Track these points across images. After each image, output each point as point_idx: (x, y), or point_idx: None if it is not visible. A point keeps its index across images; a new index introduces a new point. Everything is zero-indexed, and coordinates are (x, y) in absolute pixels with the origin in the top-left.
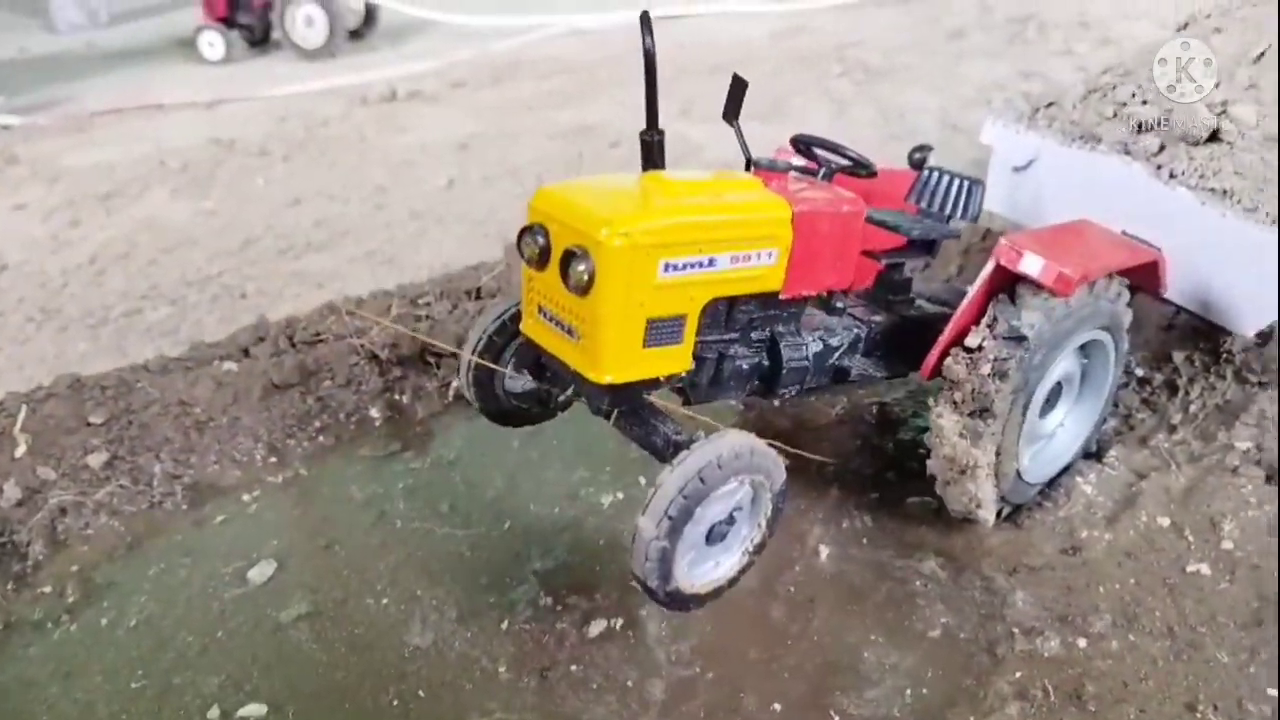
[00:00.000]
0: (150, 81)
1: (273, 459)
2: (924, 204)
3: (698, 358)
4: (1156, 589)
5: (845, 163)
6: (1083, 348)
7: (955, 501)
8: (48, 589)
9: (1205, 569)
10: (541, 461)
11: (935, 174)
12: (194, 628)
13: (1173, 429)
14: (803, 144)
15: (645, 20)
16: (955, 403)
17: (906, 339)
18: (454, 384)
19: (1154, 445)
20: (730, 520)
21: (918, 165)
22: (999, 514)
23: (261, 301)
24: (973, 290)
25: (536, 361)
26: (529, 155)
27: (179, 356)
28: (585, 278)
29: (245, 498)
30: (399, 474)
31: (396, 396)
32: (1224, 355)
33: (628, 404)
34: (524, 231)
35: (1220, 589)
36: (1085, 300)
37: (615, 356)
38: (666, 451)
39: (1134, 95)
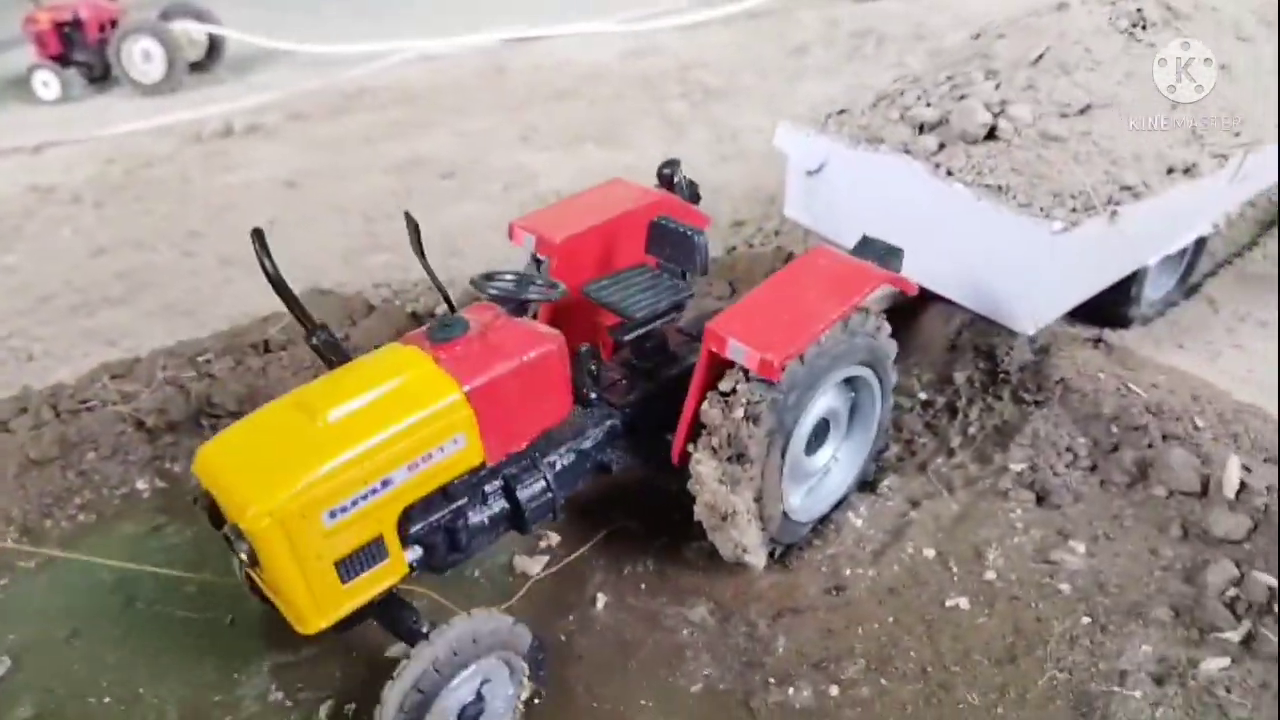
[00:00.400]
0: None
1: (25, 542)
2: (660, 256)
3: (422, 542)
4: (914, 627)
5: (536, 297)
6: (848, 382)
7: (723, 547)
8: None
9: (964, 603)
10: None
11: (662, 225)
12: None
13: (951, 453)
14: (479, 287)
15: (258, 235)
16: (713, 448)
17: (666, 407)
18: None
19: (932, 470)
20: (479, 699)
21: (666, 182)
22: (772, 554)
23: (48, 364)
24: (694, 379)
25: None
26: (357, 191)
27: None
28: (248, 556)
29: None
30: (155, 551)
31: (168, 465)
32: (1001, 375)
33: (359, 622)
34: (196, 496)
35: (978, 624)
36: (839, 339)
37: (314, 607)
38: (411, 643)
39: (919, 98)
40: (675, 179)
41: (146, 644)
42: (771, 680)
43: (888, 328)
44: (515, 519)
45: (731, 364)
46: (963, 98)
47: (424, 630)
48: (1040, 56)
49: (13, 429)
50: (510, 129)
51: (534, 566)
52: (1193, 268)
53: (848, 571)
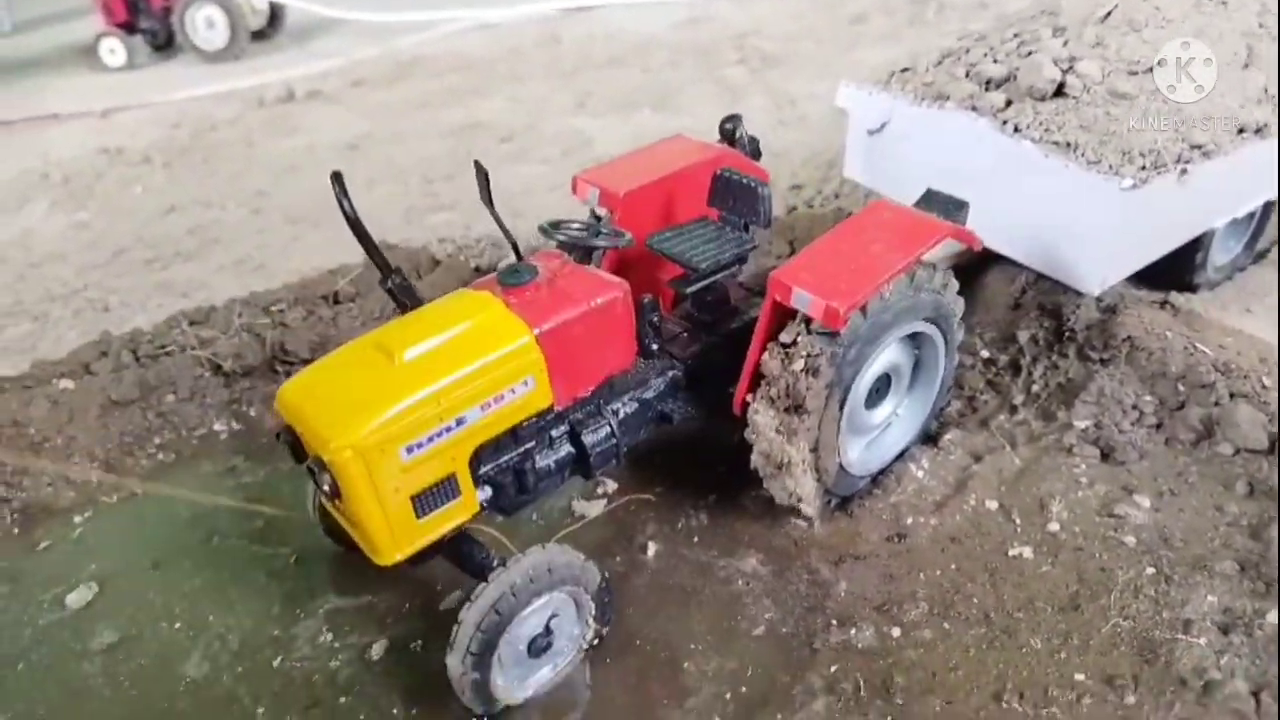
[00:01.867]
0: (50, 91)
1: (112, 476)
2: (723, 209)
3: (492, 482)
4: (977, 574)
5: (603, 244)
6: (913, 338)
7: (779, 495)
8: None
9: (1028, 552)
10: None
11: (726, 177)
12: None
13: (1014, 409)
14: (546, 234)
15: (337, 179)
16: (771, 398)
17: (727, 360)
18: None
19: (995, 426)
20: (548, 631)
21: (728, 136)
22: (829, 504)
23: (124, 314)
24: (757, 328)
25: None
26: (417, 154)
27: (17, 375)
28: (329, 488)
29: (77, 519)
30: (231, 489)
31: (243, 408)
32: (1067, 334)
33: (432, 555)
34: (280, 432)
35: (1041, 572)
36: (904, 293)
37: (390, 539)
38: (480, 576)
39: (985, 55)
40: (737, 134)
41: (219, 576)
42: (834, 622)
43: (955, 284)
44: (581, 463)
45: (794, 315)
46: (1030, 54)
47: (494, 564)
48: (1109, 14)
49: (95, 371)
50: (565, 95)
51: (592, 510)
52: (1260, 232)
53: (910, 520)
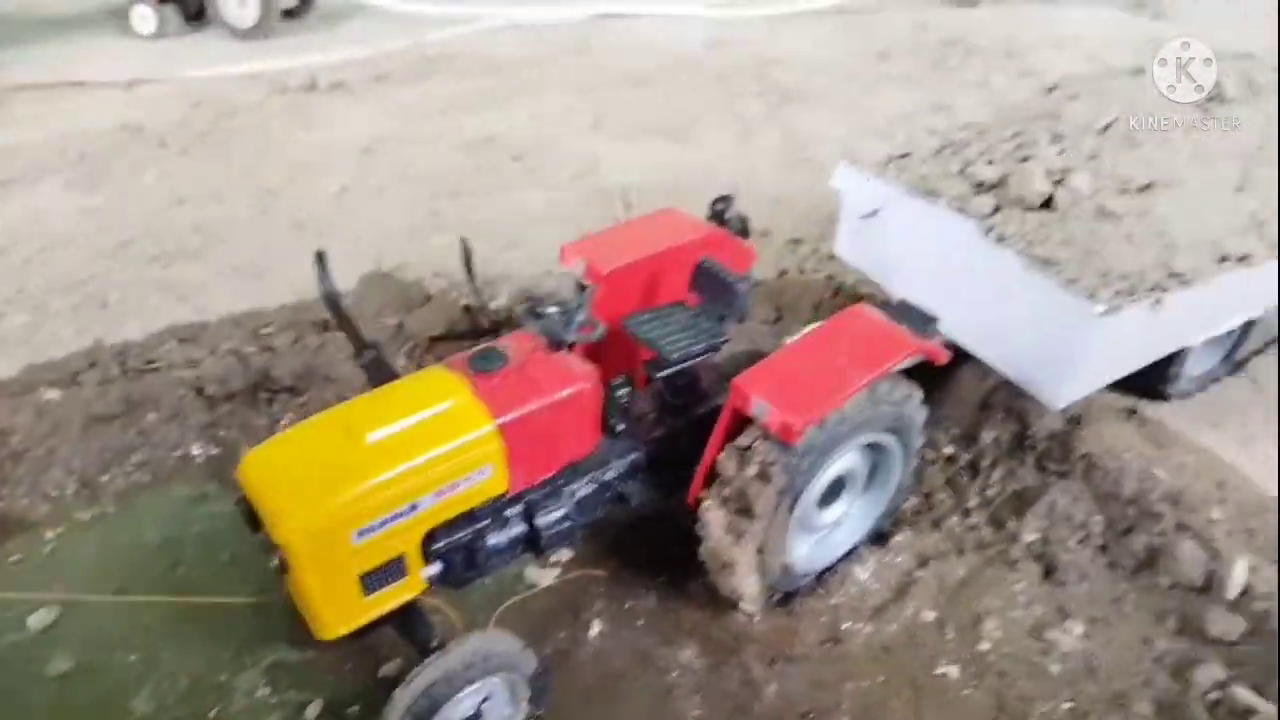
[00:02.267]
0: (78, 54)
1: (85, 493)
2: (702, 297)
3: (443, 558)
4: (903, 689)
5: (574, 339)
6: (871, 445)
7: (722, 590)
8: None
9: (955, 671)
10: None
11: (706, 268)
12: None
13: (967, 513)
14: (526, 320)
15: (320, 260)
16: (723, 498)
17: (689, 448)
18: (283, 421)
19: (946, 528)
20: (477, 714)
21: (718, 217)
22: (771, 598)
23: (122, 311)
24: (717, 427)
25: None
26: (428, 164)
27: (6, 380)
28: (279, 563)
29: (49, 535)
30: (203, 517)
31: (222, 432)
32: (1028, 440)
33: (375, 629)
34: (238, 500)
35: (963, 694)
36: (863, 406)
37: (334, 616)
38: (420, 653)
39: (982, 153)
40: (727, 215)
41: (179, 611)
42: None
43: (918, 396)
44: (533, 543)
45: (754, 421)
46: (1026, 158)
47: (434, 644)
48: (1108, 126)
49: (81, 382)
50: (585, 113)
51: (544, 579)
52: (1239, 346)
53: (847, 625)
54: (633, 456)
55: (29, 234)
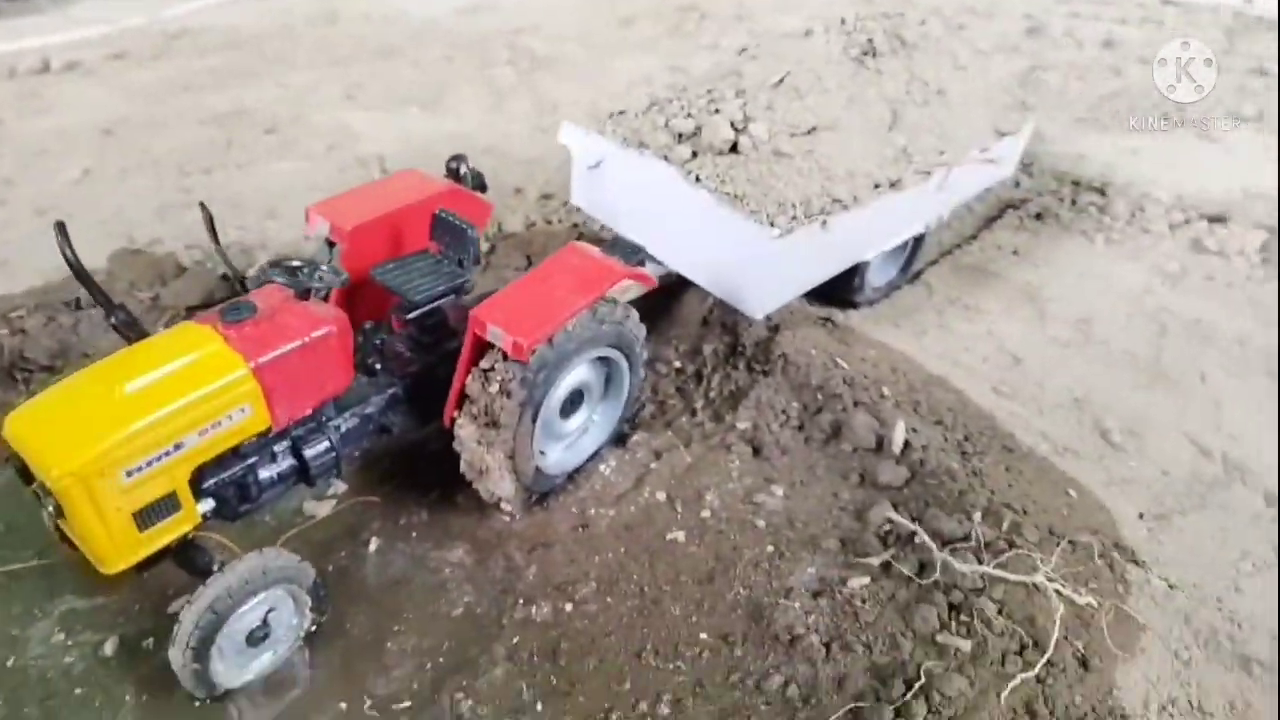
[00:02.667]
0: None
1: None
2: (441, 245)
3: (214, 495)
4: (640, 555)
5: (319, 285)
6: (603, 359)
7: (483, 495)
8: None
9: (682, 536)
10: None
11: (442, 217)
12: None
13: (694, 413)
14: (267, 273)
15: (60, 229)
16: (473, 415)
17: (444, 380)
18: None
19: (676, 428)
20: (265, 624)
21: (453, 174)
22: (530, 499)
23: None
24: (462, 356)
25: None
26: (175, 142)
27: None
28: (54, 509)
29: None
30: None
31: None
32: (740, 348)
33: (157, 563)
34: (7, 457)
35: (689, 552)
36: (586, 325)
37: (114, 551)
38: (203, 577)
39: (682, 109)
40: (461, 171)
41: None
42: (520, 601)
43: (635, 315)
44: (303, 474)
45: (493, 346)
46: (716, 112)
47: (215, 566)
48: (780, 80)
49: None
50: (336, 85)
51: (321, 510)
52: (913, 259)
53: (593, 511)
54: (391, 390)
55: None
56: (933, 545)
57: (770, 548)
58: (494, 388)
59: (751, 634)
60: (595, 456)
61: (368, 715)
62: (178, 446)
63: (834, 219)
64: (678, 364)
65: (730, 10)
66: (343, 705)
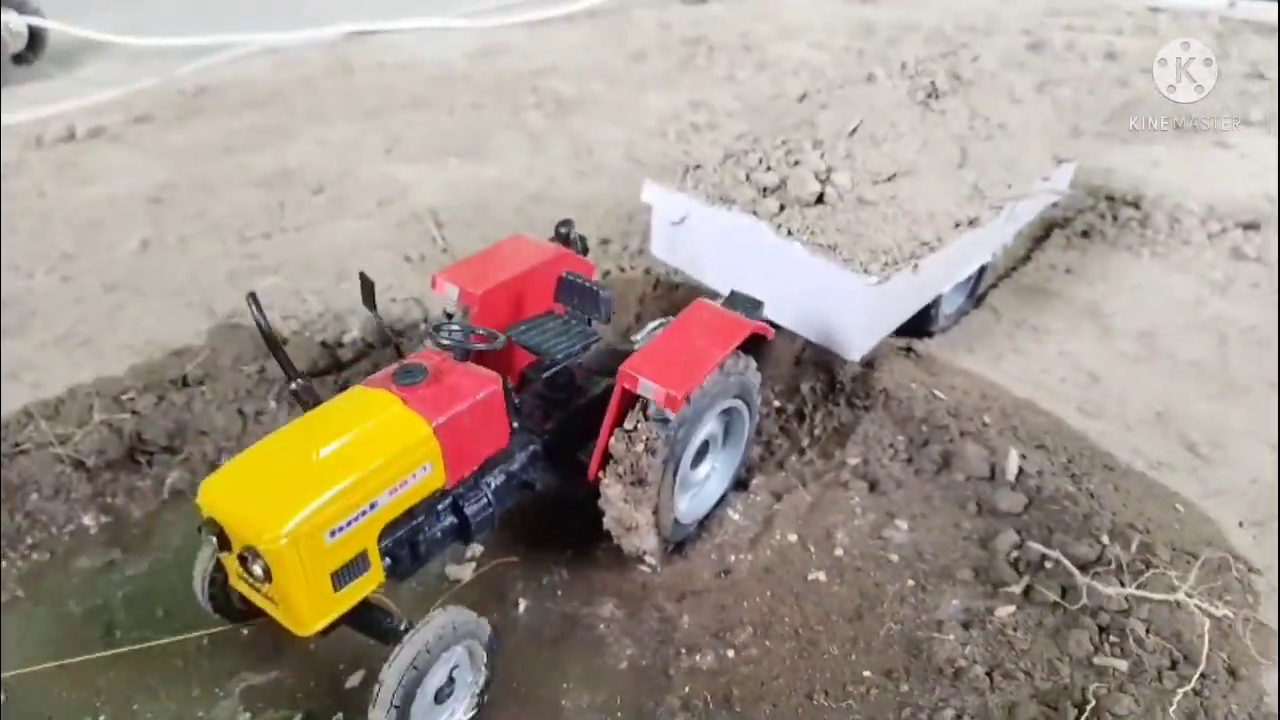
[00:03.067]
0: None
1: None
2: (568, 306)
3: (390, 554)
4: (786, 598)
5: (474, 348)
6: (724, 410)
7: (627, 550)
8: None
9: (822, 576)
10: None
11: (570, 280)
12: None
13: (802, 451)
14: (432, 337)
15: (252, 300)
16: (619, 474)
17: (579, 432)
18: (167, 481)
19: (789, 466)
20: (450, 681)
21: (563, 239)
22: (668, 550)
23: None
24: (609, 413)
25: None
26: (228, 207)
27: None
28: (262, 572)
29: None
30: (119, 583)
31: (110, 500)
32: (838, 385)
33: (337, 627)
34: (202, 525)
35: (833, 591)
36: (717, 379)
37: (311, 612)
38: (388, 639)
39: (760, 161)
40: (570, 236)
41: (132, 668)
42: (682, 650)
43: (753, 365)
44: (462, 532)
45: (634, 403)
46: (796, 163)
47: (403, 626)
48: (854, 130)
49: None
50: (373, 138)
51: (464, 574)
52: (978, 284)
53: (732, 557)
54: (532, 448)
55: None
56: (1074, 570)
57: (911, 581)
58: (639, 446)
59: (914, 669)
60: (721, 502)
61: None
62: (372, 506)
63: (925, 261)
64: (777, 403)
65: (735, 40)
66: None
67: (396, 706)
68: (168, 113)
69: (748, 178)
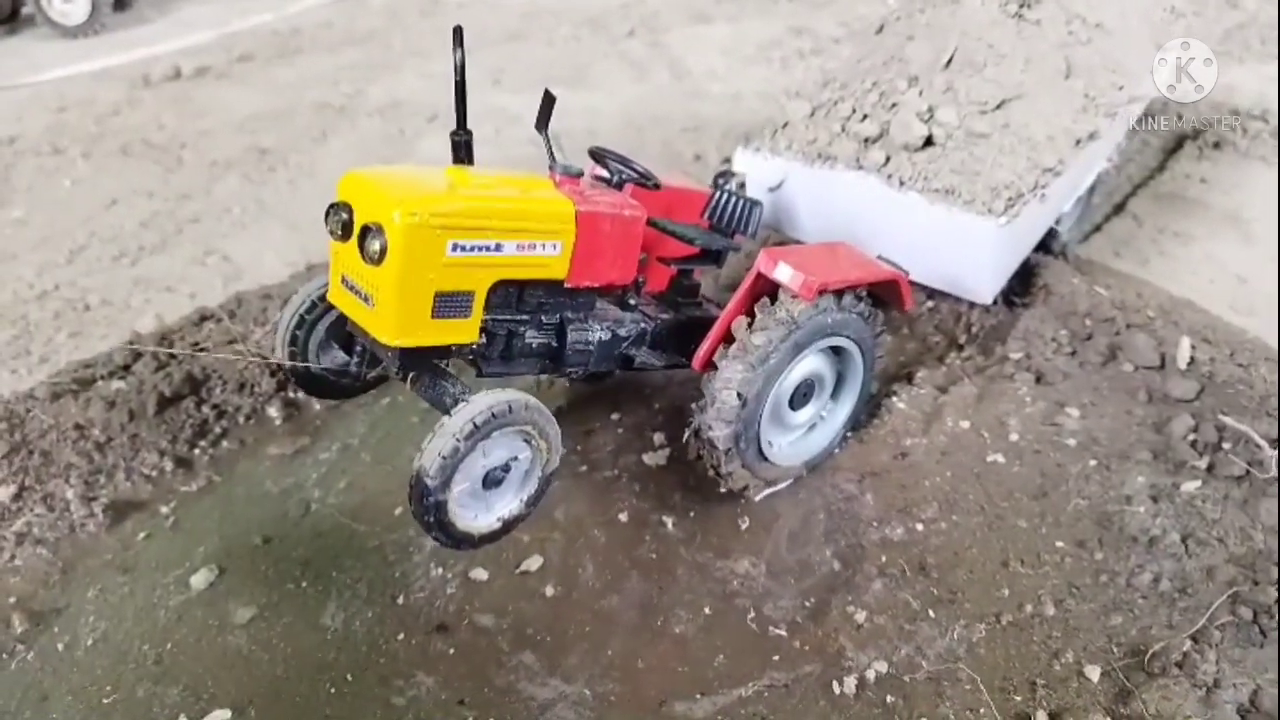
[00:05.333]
0: None
1: (181, 470)
2: (714, 220)
3: (488, 333)
4: (967, 478)
5: (633, 175)
6: (837, 353)
7: (709, 459)
8: None
9: (1000, 458)
10: None
11: (724, 195)
12: (147, 640)
13: (960, 347)
14: (597, 155)
15: (458, 35)
16: (733, 355)
17: (687, 335)
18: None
19: (949, 363)
20: (505, 468)
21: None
22: (768, 485)
23: (110, 312)
24: (739, 290)
25: (347, 336)
26: (354, 135)
27: (64, 381)
28: (378, 251)
29: (164, 510)
30: (311, 466)
31: (291, 394)
32: None
33: (419, 368)
34: (331, 208)
35: (1014, 472)
36: (830, 307)
37: (404, 322)
38: (450, 407)
39: (854, 110)
40: (727, 184)
41: (329, 541)
42: (873, 523)
43: (880, 316)
44: (555, 355)
45: (767, 293)
46: (894, 106)
47: (465, 397)
48: (950, 59)
49: (136, 371)
50: (477, 71)
51: (660, 459)
52: (1091, 195)
53: (907, 441)
54: (641, 326)
55: None
56: (1262, 443)
57: (1093, 462)
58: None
59: (1106, 539)
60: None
61: (768, 634)
62: (498, 248)
63: (1051, 188)
64: (929, 303)
65: None
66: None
67: (443, 457)
68: (268, 51)
69: (843, 130)
